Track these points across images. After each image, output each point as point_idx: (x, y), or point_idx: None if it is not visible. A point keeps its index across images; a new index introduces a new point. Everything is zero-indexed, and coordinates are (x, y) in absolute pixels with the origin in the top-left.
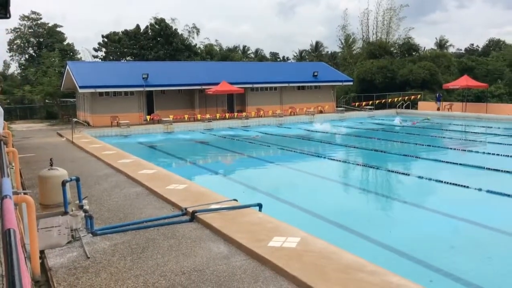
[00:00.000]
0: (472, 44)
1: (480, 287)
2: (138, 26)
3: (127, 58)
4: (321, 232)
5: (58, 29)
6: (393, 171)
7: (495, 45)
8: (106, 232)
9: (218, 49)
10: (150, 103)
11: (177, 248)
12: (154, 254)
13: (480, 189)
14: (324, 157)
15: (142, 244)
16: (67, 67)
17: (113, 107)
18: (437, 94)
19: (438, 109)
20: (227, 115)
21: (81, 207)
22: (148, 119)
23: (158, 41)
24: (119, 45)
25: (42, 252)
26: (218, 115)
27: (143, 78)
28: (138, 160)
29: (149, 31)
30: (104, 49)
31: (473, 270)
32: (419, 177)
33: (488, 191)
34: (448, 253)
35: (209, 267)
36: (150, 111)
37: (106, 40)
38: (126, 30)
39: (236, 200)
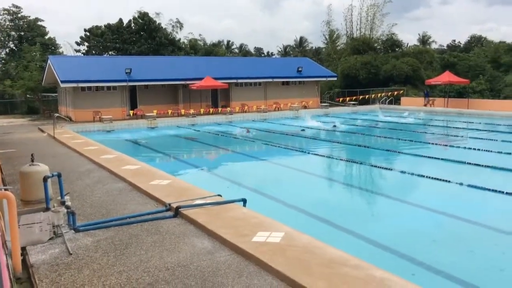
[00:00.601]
0: (454, 40)
1: (462, 280)
2: (121, 20)
3: (110, 53)
4: (306, 227)
5: (39, 23)
6: (376, 166)
7: (476, 41)
8: (88, 228)
9: (202, 44)
10: (133, 98)
11: (160, 244)
12: (138, 250)
13: (461, 184)
14: (309, 153)
15: (125, 240)
16: (49, 61)
17: (95, 102)
18: (425, 91)
19: (425, 105)
20: (211, 110)
21: (63, 203)
22: (131, 114)
23: (142, 36)
24: (101, 39)
25: (23, 248)
26: (202, 110)
27: (126, 72)
28: (121, 155)
29: (133, 25)
30: (86, 44)
31: (454, 263)
32: (402, 172)
33: (469, 186)
34: (430, 247)
35: (193, 263)
36: (133, 106)
37: (88, 34)
38: (109, 24)
39: (221, 196)
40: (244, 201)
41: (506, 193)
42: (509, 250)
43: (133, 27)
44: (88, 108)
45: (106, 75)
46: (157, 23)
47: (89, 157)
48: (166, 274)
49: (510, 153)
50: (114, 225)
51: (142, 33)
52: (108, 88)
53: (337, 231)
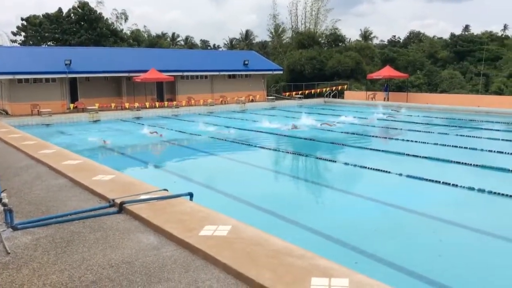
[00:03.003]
0: (394, 36)
1: (401, 266)
2: (60, 10)
3: (49, 43)
4: (253, 220)
5: None
6: (321, 159)
7: (415, 37)
8: (27, 226)
9: (146, 36)
10: (73, 90)
11: (104, 241)
12: (80, 247)
13: (400, 174)
14: (255, 146)
15: (66, 237)
16: None
17: (33, 95)
18: (385, 85)
19: (385, 99)
20: (157, 104)
21: None
22: (72, 108)
23: (82, 26)
24: (40, 29)
25: None
26: (147, 104)
27: (65, 64)
28: (61, 150)
29: (72, 15)
30: (23, 33)
31: (395, 251)
32: (345, 163)
33: (408, 176)
34: (372, 235)
35: (139, 259)
36: (74, 99)
37: (25, 23)
38: (47, 14)
39: (167, 190)
40: (190, 195)
41: (443, 182)
42: (446, 237)
43: (73, 17)
44: (26, 101)
45: (45, 67)
46: (98, 13)
47: (27, 152)
48: (110, 271)
49: (445, 145)
50: (54, 223)
51: (82, 23)
52: (47, 80)
53: (283, 223)
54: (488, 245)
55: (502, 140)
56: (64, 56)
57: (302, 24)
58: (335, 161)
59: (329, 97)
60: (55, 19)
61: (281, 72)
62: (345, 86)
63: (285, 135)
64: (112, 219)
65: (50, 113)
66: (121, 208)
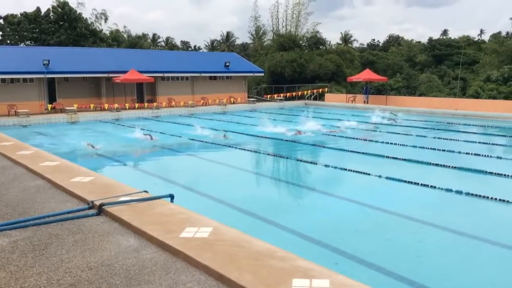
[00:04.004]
0: (374, 40)
1: (381, 267)
2: (38, 9)
3: (27, 43)
4: (234, 221)
5: None
6: (302, 161)
7: (394, 41)
8: (4, 228)
9: (126, 36)
10: (52, 91)
11: (83, 243)
12: (58, 250)
13: (380, 176)
14: (236, 147)
15: (44, 240)
16: None
17: (10, 95)
18: (365, 88)
19: (365, 102)
20: (137, 105)
21: None
22: (50, 108)
23: (61, 26)
24: (18, 28)
25: None
26: (127, 105)
27: (44, 64)
28: (39, 151)
29: (51, 14)
30: (1, 32)
31: (375, 252)
32: (326, 165)
33: (387, 178)
34: (352, 236)
35: (118, 261)
36: (52, 100)
37: (3, 22)
38: (25, 13)
39: (147, 192)
40: (171, 196)
41: (421, 184)
42: (424, 238)
43: (52, 17)
44: (2, 101)
45: (22, 66)
46: (77, 13)
47: (4, 153)
48: (89, 274)
49: (423, 147)
50: (32, 225)
51: (61, 23)
52: (25, 80)
53: (265, 224)
54: (465, 246)
55: (479, 142)
56: (42, 56)
57: (283, 26)
58: (316, 163)
59: (310, 100)
60: (34, 18)
61: (262, 74)
62: (326, 89)
63: (266, 137)
64: (91, 221)
65: (27, 113)
66: (100, 210)
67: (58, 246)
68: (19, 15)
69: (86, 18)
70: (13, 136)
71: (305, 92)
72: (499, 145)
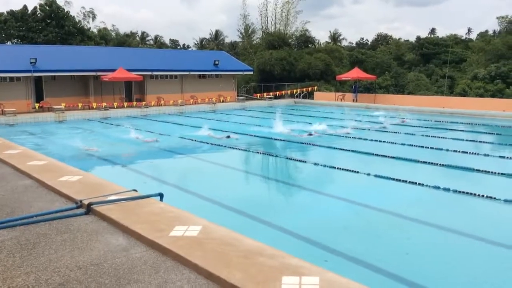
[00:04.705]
0: (363, 38)
1: (370, 264)
2: (25, 7)
3: (14, 41)
4: (224, 220)
5: None
6: (291, 159)
7: (382, 39)
8: None
9: (114, 34)
10: (39, 89)
11: (71, 243)
12: (47, 249)
13: (369, 174)
14: (226, 147)
15: (32, 240)
16: None
17: None
18: (354, 86)
19: (354, 100)
20: (125, 103)
21: None
22: (37, 107)
23: (49, 24)
24: (5, 26)
25: None
26: (116, 104)
27: (31, 62)
28: (26, 150)
29: (39, 12)
30: None
31: (364, 249)
32: (315, 164)
33: (376, 176)
34: (341, 234)
35: (107, 261)
36: (39, 99)
37: None
38: (12, 11)
39: (136, 191)
40: (160, 195)
41: (409, 182)
42: (413, 235)
43: (39, 15)
44: None
45: (9, 65)
46: (65, 11)
47: None
48: (78, 273)
49: (412, 145)
50: (19, 224)
51: (49, 21)
52: (11, 78)
53: (254, 223)
54: (453, 243)
55: (466, 140)
56: (29, 54)
57: (272, 25)
58: (305, 161)
59: (300, 98)
60: (21, 16)
61: (252, 73)
62: (315, 87)
63: (258, 136)
64: (79, 221)
65: (14, 112)
66: (89, 209)
67: (46, 245)
68: (6, 13)
69: (73, 16)
70: (0, 135)
71: (295, 91)
72: (486, 142)
